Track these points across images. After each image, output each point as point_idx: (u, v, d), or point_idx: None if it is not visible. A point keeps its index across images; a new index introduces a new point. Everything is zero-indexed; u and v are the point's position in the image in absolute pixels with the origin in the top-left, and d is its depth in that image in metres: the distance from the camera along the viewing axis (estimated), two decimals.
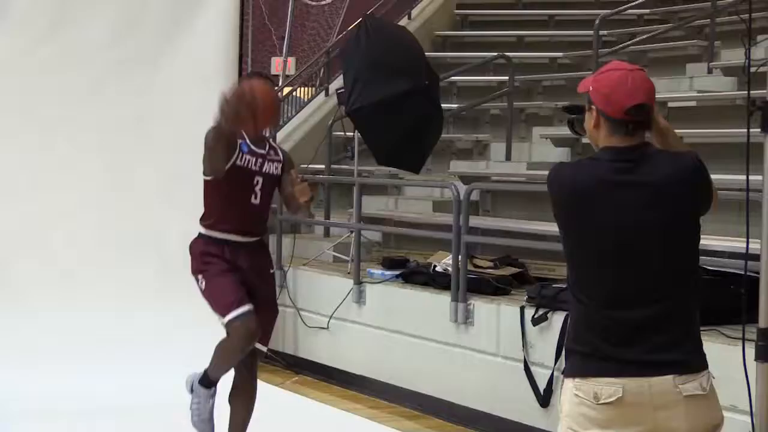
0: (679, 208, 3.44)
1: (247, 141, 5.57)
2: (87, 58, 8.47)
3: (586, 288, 3.52)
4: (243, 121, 5.17)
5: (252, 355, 5.71)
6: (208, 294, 5.63)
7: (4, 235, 8.30)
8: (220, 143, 5.35)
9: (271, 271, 5.92)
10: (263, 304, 5.70)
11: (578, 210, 3.50)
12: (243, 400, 5.78)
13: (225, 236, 5.64)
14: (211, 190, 5.64)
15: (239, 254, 5.66)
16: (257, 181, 5.61)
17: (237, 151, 5.51)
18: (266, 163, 5.65)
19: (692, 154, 3.53)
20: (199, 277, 5.66)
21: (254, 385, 5.82)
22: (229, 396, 5.81)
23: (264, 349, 5.80)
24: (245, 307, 5.51)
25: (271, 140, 5.85)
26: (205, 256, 5.65)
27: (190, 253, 5.75)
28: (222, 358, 5.68)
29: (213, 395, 5.78)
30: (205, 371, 5.76)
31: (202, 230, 5.70)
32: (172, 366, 7.80)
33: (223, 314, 5.53)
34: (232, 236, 5.65)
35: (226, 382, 5.78)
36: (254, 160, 5.59)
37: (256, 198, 5.64)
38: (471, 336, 7.44)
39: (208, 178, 5.58)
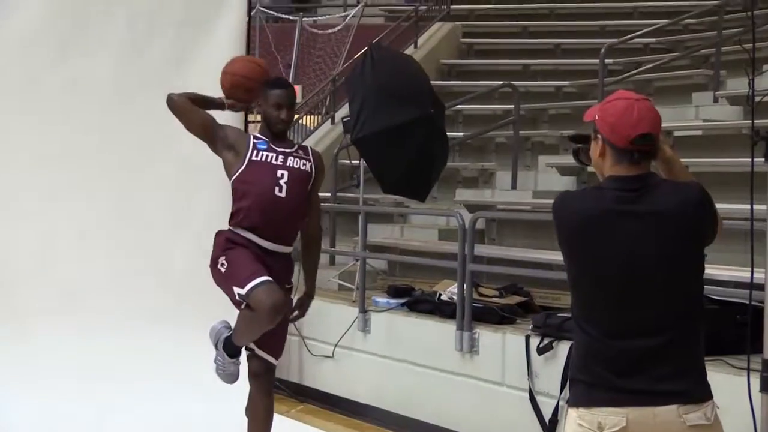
0: (683, 239, 3.44)
1: (265, 139, 5.66)
2: (93, 84, 8.48)
3: (589, 317, 3.52)
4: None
5: (267, 370, 5.70)
6: (228, 274, 5.51)
7: (7, 258, 8.30)
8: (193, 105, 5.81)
9: (288, 286, 5.82)
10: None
11: (581, 239, 3.50)
12: (260, 416, 5.74)
13: (250, 236, 5.59)
14: (234, 190, 5.66)
15: (264, 257, 5.58)
16: (281, 174, 5.60)
17: (251, 149, 5.60)
18: (290, 158, 5.67)
19: (696, 185, 3.53)
20: (220, 260, 5.57)
21: (271, 400, 5.78)
22: (246, 410, 5.81)
23: (274, 361, 5.74)
24: (265, 277, 5.40)
25: (302, 144, 5.96)
26: (228, 243, 5.61)
27: (214, 244, 5.70)
28: (246, 326, 5.54)
29: (237, 364, 5.74)
30: (229, 337, 5.70)
31: (230, 227, 5.68)
32: (179, 386, 7.84)
33: (242, 286, 5.39)
34: (258, 239, 5.58)
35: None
36: (275, 155, 5.63)
37: (281, 191, 5.59)
38: (476, 365, 7.42)
39: (231, 178, 5.65)
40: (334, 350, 8.68)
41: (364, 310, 8.45)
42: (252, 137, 5.71)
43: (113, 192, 8.46)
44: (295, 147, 5.78)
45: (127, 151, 8.52)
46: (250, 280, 5.37)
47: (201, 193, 8.43)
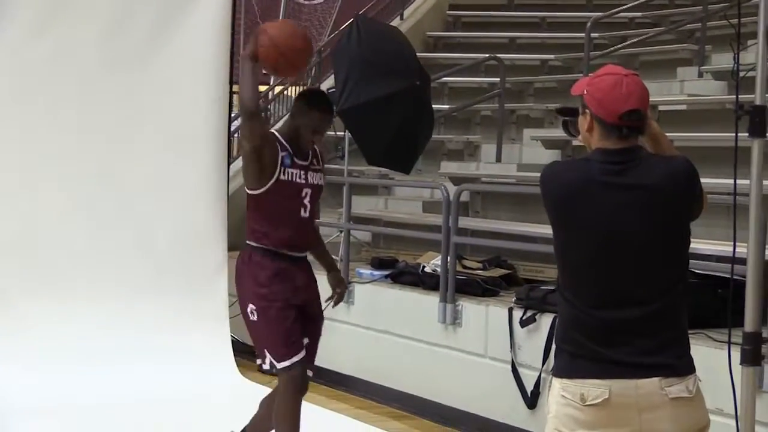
0: (670, 212, 3.45)
1: (289, 151, 5.36)
2: (75, 58, 8.43)
3: (574, 288, 3.53)
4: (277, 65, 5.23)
5: (304, 386, 5.52)
6: (262, 332, 5.36)
7: None
8: (258, 142, 5.22)
9: (316, 285, 5.68)
10: (314, 316, 5.59)
11: (567, 210, 3.51)
12: (289, 415, 5.50)
13: (278, 249, 5.40)
14: (257, 204, 5.40)
15: (293, 272, 5.44)
16: (305, 194, 5.42)
17: (279, 165, 5.31)
18: (310, 173, 5.45)
19: (684, 159, 3.54)
20: (251, 307, 5.37)
21: (298, 409, 5.54)
22: (266, 399, 5.70)
23: (311, 373, 5.57)
24: (298, 357, 5.32)
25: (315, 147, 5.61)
26: (257, 284, 5.37)
27: (238, 274, 5.49)
28: (282, 418, 5.41)
29: None
30: None
31: (253, 243, 5.43)
32: (162, 357, 7.84)
33: (278, 360, 5.29)
34: (286, 251, 5.42)
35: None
36: (298, 172, 5.38)
37: (305, 211, 5.44)
38: (459, 337, 7.45)
39: (255, 192, 5.36)
40: None
41: (348, 282, 8.46)
42: (279, 148, 5.35)
43: (94, 166, 8.43)
44: (311, 157, 5.51)
45: (108, 126, 8.49)
46: (286, 359, 5.28)
47: (183, 167, 8.42)
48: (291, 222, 5.38)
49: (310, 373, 5.53)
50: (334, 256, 9.00)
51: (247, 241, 5.47)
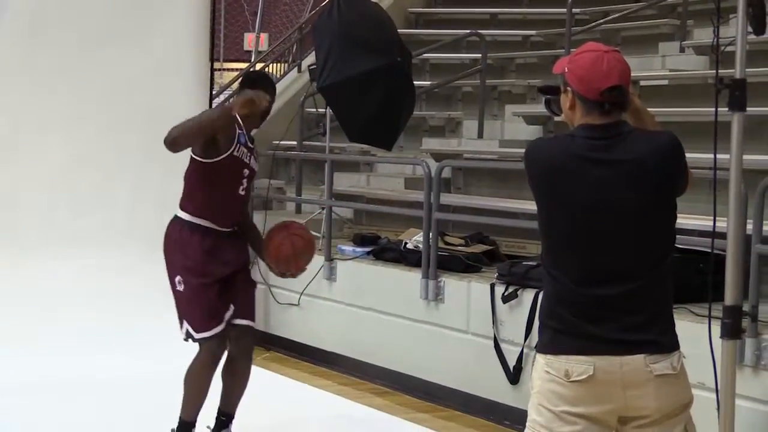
0: (655, 187, 3.45)
1: (243, 131, 5.58)
2: (56, 37, 8.40)
3: (558, 264, 3.53)
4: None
5: (248, 332, 5.77)
6: (184, 302, 5.59)
7: None
8: (218, 126, 5.43)
9: (246, 255, 5.91)
10: (242, 283, 5.76)
11: (551, 186, 3.51)
12: (237, 377, 5.84)
13: (206, 224, 5.59)
14: (199, 175, 5.55)
15: (218, 243, 5.61)
16: (245, 173, 5.64)
17: (235, 141, 5.50)
18: (251, 157, 5.67)
19: (669, 134, 3.53)
20: (178, 278, 5.58)
21: (249, 362, 5.87)
22: (223, 372, 5.83)
23: (252, 324, 5.80)
24: (216, 329, 5.56)
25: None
26: (185, 255, 5.56)
27: (167, 242, 5.65)
28: (192, 385, 5.65)
29: None
30: (180, 419, 5.72)
31: (183, 215, 5.62)
32: (151, 347, 7.83)
33: (196, 330, 5.54)
34: (214, 225, 5.61)
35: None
36: (247, 152, 5.61)
37: (242, 189, 5.66)
38: (441, 313, 7.46)
39: (205, 160, 5.49)
40: (299, 298, 8.70)
41: (329, 259, 8.47)
42: (236, 127, 5.55)
43: (76, 143, 8.40)
44: (254, 142, 5.78)
45: (86, 103, 8.46)
46: (204, 330, 5.53)
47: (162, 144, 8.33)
48: (228, 198, 5.60)
49: (248, 323, 5.78)
50: (315, 233, 9.08)
51: (180, 210, 5.63)
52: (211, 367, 5.63)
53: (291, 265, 5.65)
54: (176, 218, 5.65)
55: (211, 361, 5.60)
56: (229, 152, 5.47)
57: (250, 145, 5.64)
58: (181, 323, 5.59)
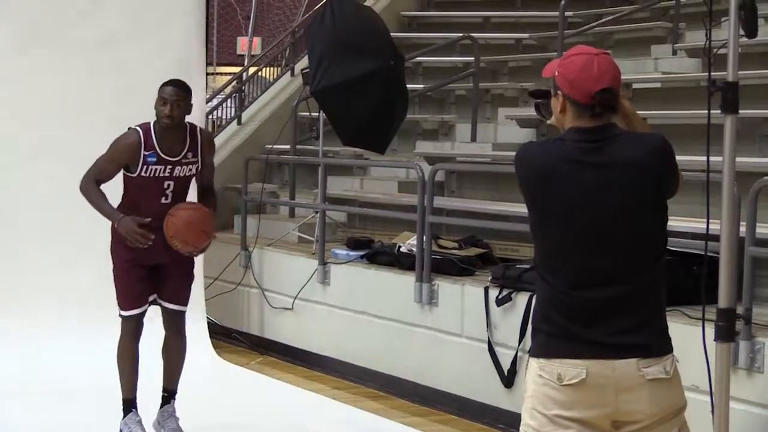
0: (645, 189, 3.44)
1: (157, 150, 5.95)
2: (51, 37, 8.39)
3: (551, 267, 3.52)
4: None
5: (176, 315, 6.23)
6: (115, 283, 6.13)
7: None
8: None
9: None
10: (172, 272, 6.15)
11: (543, 189, 3.50)
12: (173, 353, 6.30)
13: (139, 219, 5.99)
14: (125, 183, 6.08)
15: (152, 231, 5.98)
16: (168, 185, 6.02)
17: (140, 164, 5.93)
18: (178, 167, 6.01)
19: (659, 135, 3.53)
20: (113, 263, 6.14)
21: (183, 340, 6.30)
22: (162, 350, 6.33)
23: (183, 309, 6.25)
24: (137, 311, 6.08)
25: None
26: (118, 245, 6.06)
27: (111, 237, 6.12)
28: (120, 362, 6.17)
29: (139, 420, 6.16)
30: (122, 399, 6.19)
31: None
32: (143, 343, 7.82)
33: (121, 308, 6.12)
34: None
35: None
36: (163, 168, 5.97)
37: (167, 199, 6.03)
38: (435, 316, 7.46)
39: (125, 173, 6.03)
40: (293, 302, 8.70)
41: (323, 263, 8.46)
42: (143, 148, 5.94)
43: (67, 145, 8.39)
44: (186, 150, 6.04)
45: (79, 107, 8.45)
46: (125, 309, 6.09)
47: None
48: (150, 208, 5.97)
49: (175, 307, 6.23)
50: (308, 237, 9.08)
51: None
52: (130, 342, 6.11)
53: (179, 244, 5.91)
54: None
55: (128, 337, 6.11)
56: (136, 174, 5.94)
57: (168, 158, 5.96)
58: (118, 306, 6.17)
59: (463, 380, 7.25)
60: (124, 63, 8.55)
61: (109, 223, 5.99)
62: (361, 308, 8.12)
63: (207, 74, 9.04)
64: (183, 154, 6.02)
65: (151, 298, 6.15)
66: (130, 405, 6.17)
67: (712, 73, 3.86)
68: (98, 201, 5.98)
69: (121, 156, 6.00)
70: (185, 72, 8.70)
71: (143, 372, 6.21)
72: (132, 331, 6.11)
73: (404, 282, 7.66)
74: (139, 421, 6.14)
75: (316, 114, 9.32)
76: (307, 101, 9.55)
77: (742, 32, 3.91)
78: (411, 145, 10.67)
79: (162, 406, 6.33)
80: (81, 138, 8.43)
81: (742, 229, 5.55)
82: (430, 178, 7.63)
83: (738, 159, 4.07)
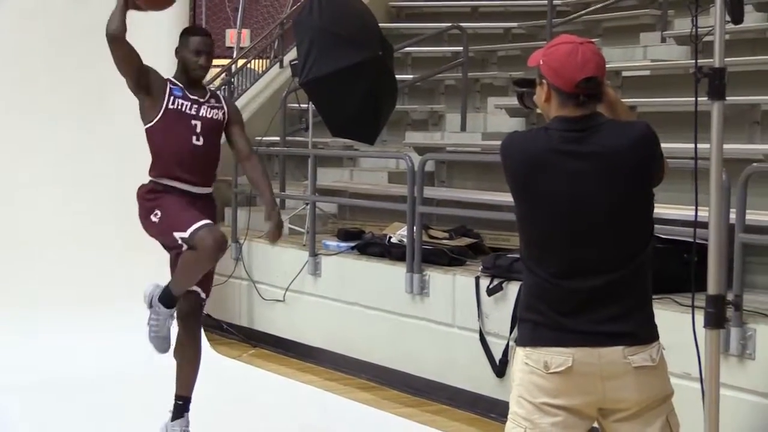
0: (632, 178, 3.44)
1: (180, 85, 5.72)
2: (39, 33, 8.38)
3: (536, 257, 3.53)
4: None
5: (194, 310, 5.83)
6: (166, 222, 5.60)
7: None
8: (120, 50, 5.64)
9: (213, 212, 5.92)
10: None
11: (528, 179, 3.50)
12: (189, 357, 5.89)
13: (174, 184, 5.69)
14: (150, 140, 5.75)
15: (190, 198, 5.70)
16: (195, 125, 5.72)
17: (167, 94, 5.67)
18: (203, 107, 5.76)
19: (644, 123, 3.53)
20: (154, 210, 5.65)
21: (198, 341, 5.94)
22: (174, 352, 5.89)
23: (204, 296, 5.86)
24: (205, 221, 5.53)
25: (216, 91, 6.04)
26: (151, 193, 5.70)
27: (137, 200, 5.78)
28: (187, 269, 5.61)
29: (172, 316, 5.80)
30: (167, 287, 5.74)
31: (150, 178, 5.77)
32: (136, 334, 7.82)
33: (184, 230, 5.49)
34: (181, 184, 5.69)
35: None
36: (188, 104, 5.72)
37: (198, 139, 5.72)
38: (426, 307, 7.46)
39: (147, 125, 5.72)
40: (285, 294, 8.69)
41: (314, 254, 8.46)
42: (168, 82, 5.74)
43: (62, 133, 8.40)
44: (208, 96, 5.84)
45: (66, 98, 8.43)
46: (192, 224, 5.48)
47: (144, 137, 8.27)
48: (181, 150, 5.66)
49: (204, 296, 5.83)
50: (299, 228, 9.07)
51: (149, 176, 5.76)
52: (216, 249, 5.50)
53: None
54: (143, 184, 5.79)
55: (212, 243, 5.46)
56: (164, 106, 5.65)
57: (192, 96, 5.73)
58: (174, 241, 5.56)
59: (455, 370, 7.25)
60: (106, 56, 8.53)
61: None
62: (352, 299, 8.12)
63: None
64: (206, 98, 5.80)
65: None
66: (174, 300, 5.73)
67: (699, 60, 3.87)
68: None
69: (150, 68, 5.73)
70: (171, 64, 8.72)
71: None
72: (213, 235, 5.46)
73: (395, 273, 7.66)
74: None
75: (306, 105, 9.30)
76: (296, 93, 9.53)
77: (728, 18, 3.91)
78: (400, 135, 10.67)
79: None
80: (71, 130, 8.46)
81: (732, 216, 5.56)
82: (419, 168, 7.62)
83: (727, 146, 4.08)
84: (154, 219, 5.66)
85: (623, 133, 3.47)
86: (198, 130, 5.71)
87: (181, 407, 5.94)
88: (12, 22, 8.36)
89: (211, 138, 5.78)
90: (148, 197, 5.71)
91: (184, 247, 5.53)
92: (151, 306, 5.79)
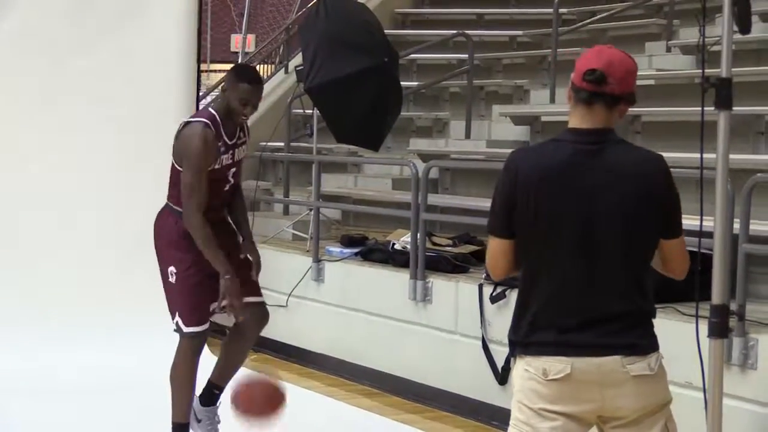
0: (643, 199, 3.43)
1: (224, 138, 5.50)
2: (46, 36, 8.39)
3: (539, 269, 3.53)
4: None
5: (264, 316, 5.88)
6: (176, 295, 5.60)
7: None
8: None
9: (237, 238, 5.81)
10: (237, 262, 5.64)
11: (538, 191, 3.46)
12: (241, 345, 5.90)
13: None
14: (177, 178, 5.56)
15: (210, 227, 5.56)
16: (232, 172, 5.64)
17: (218, 159, 5.50)
18: (237, 150, 5.62)
19: (660, 157, 3.53)
20: (171, 269, 5.58)
21: (257, 334, 5.95)
22: (228, 340, 5.93)
23: (261, 299, 5.83)
24: (203, 327, 5.61)
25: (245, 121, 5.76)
26: (178, 249, 5.55)
27: (160, 234, 5.65)
28: (179, 382, 5.66)
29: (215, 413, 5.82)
30: (172, 423, 5.71)
31: (173, 206, 5.60)
32: (134, 340, 7.82)
33: (184, 323, 5.57)
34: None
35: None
36: (228, 155, 5.56)
37: (228, 186, 5.66)
38: (429, 314, 7.45)
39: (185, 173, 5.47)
40: (287, 300, 8.68)
41: (317, 260, 8.46)
42: (216, 139, 5.47)
43: (60, 147, 8.41)
44: (237, 130, 5.62)
45: (73, 104, 8.44)
46: (192, 325, 5.58)
47: (150, 147, 8.22)
48: (213, 198, 5.52)
49: (260, 299, 5.85)
50: (303, 234, 9.07)
51: (168, 202, 5.65)
52: (193, 360, 5.64)
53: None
54: (169, 209, 5.63)
55: (191, 354, 5.63)
56: (210, 169, 5.45)
57: (230, 142, 5.55)
58: (173, 315, 5.60)
59: (457, 377, 7.24)
60: (116, 59, 8.54)
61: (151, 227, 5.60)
62: (355, 306, 8.11)
63: (200, 72, 9.01)
64: (237, 134, 5.60)
65: (212, 308, 5.62)
66: (185, 430, 5.74)
67: (706, 70, 3.87)
68: (214, 245, 5.41)
69: (207, 161, 5.44)
70: (178, 69, 8.73)
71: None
72: (198, 349, 5.64)
73: (398, 279, 7.66)
74: None
75: (310, 111, 9.32)
76: (301, 98, 9.54)
77: (735, 28, 3.91)
78: (405, 142, 10.68)
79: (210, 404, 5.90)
80: (81, 131, 8.47)
81: (736, 226, 5.55)
82: (424, 175, 7.62)
83: (732, 156, 4.07)
84: (170, 278, 5.60)
85: (637, 153, 3.51)
86: (231, 176, 5.63)
87: (217, 396, 5.90)
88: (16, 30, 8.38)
89: (238, 176, 5.73)
90: (171, 246, 5.59)
91: (174, 327, 5.62)
92: (198, 420, 5.80)
